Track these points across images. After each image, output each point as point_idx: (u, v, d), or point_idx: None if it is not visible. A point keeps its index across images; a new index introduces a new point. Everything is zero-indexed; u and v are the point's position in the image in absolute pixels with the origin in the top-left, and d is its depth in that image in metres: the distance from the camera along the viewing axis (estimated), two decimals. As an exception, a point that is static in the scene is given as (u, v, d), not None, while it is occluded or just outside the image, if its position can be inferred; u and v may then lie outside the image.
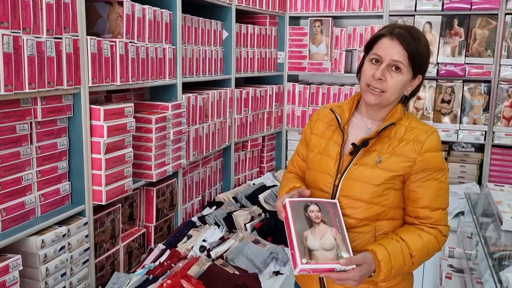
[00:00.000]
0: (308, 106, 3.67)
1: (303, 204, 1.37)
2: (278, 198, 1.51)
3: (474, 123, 3.20)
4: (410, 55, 1.37)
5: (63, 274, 1.67)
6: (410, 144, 1.40)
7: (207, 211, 2.78)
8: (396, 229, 1.44)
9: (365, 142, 1.41)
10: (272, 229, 2.53)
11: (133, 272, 2.03)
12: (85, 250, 1.78)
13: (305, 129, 1.63)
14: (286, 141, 3.83)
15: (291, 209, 1.35)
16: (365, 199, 1.40)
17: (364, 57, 1.47)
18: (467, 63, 3.18)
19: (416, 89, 1.48)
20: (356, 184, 1.41)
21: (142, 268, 2.08)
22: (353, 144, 1.43)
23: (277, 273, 2.19)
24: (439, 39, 3.22)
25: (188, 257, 2.17)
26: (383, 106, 1.44)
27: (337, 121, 1.49)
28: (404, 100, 1.49)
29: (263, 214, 2.76)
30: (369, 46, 1.44)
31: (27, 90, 1.47)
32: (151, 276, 1.89)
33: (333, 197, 1.44)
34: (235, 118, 3.10)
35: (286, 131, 3.79)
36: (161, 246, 2.25)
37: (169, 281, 1.71)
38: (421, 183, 1.40)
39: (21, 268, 1.45)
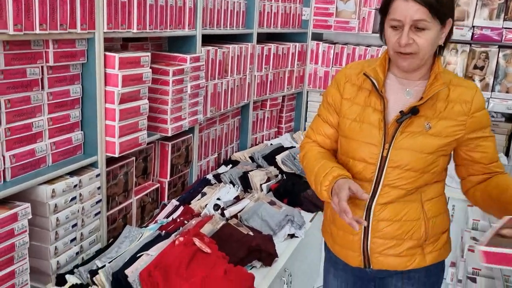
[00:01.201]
0: (332, 66, 3.52)
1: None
2: (320, 185, 1.36)
3: (507, 92, 3.03)
4: (431, 8, 1.23)
5: (74, 225, 1.64)
6: (458, 105, 1.32)
7: (222, 169, 2.73)
8: (441, 191, 1.43)
9: (415, 109, 1.31)
10: (288, 191, 2.46)
11: (146, 227, 2.00)
12: (97, 202, 1.73)
13: (332, 93, 1.48)
14: (307, 102, 3.71)
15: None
16: (418, 169, 1.33)
17: (382, 20, 1.33)
18: (505, 28, 2.98)
19: (450, 34, 1.35)
20: (407, 154, 1.32)
21: (154, 223, 2.04)
22: (401, 112, 1.32)
23: (292, 236, 2.14)
24: (476, 0, 3.01)
25: (201, 215, 2.12)
26: (419, 66, 1.33)
27: (373, 84, 1.36)
28: (440, 51, 1.37)
29: (279, 176, 2.69)
30: (385, 9, 1.30)
31: (37, 32, 1.38)
32: (164, 232, 1.85)
33: (380, 169, 1.34)
34: (255, 76, 2.99)
35: (307, 91, 3.67)
36: (174, 202, 2.21)
37: (181, 238, 1.66)
38: (478, 143, 1.36)
39: (30, 216, 1.41)
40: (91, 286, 1.41)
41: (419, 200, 1.38)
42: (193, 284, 1.51)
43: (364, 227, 1.39)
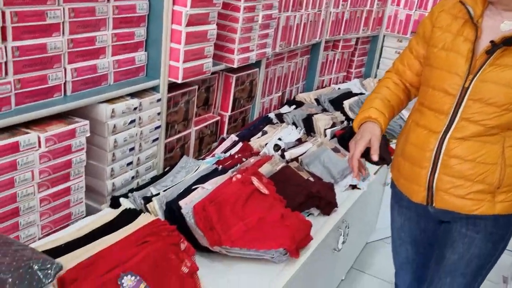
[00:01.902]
0: (415, 10, 3.20)
1: None
2: (357, 116, 1.47)
3: None
4: None
5: (132, 149, 1.58)
6: None
7: (285, 109, 2.59)
8: None
9: (508, 40, 1.18)
10: (353, 140, 2.30)
11: (202, 159, 1.93)
12: (156, 128, 1.67)
13: (425, 22, 1.43)
14: (382, 47, 3.44)
15: None
16: (500, 104, 1.22)
17: None
18: None
19: None
20: (492, 87, 1.22)
21: (211, 157, 1.97)
22: (492, 42, 1.21)
23: (353, 187, 2.01)
24: None
25: (260, 153, 2.02)
26: None
27: (469, 14, 1.27)
28: None
29: (345, 122, 2.52)
30: None
31: None
32: (220, 167, 1.77)
33: (459, 101, 1.27)
34: (330, 12, 2.75)
35: (384, 36, 3.38)
36: (233, 137, 2.12)
37: (239, 176, 1.57)
38: None
39: (88, 134, 1.36)
40: (144, 213, 1.36)
41: (501, 143, 1.28)
42: (248, 225, 1.43)
43: (433, 161, 1.33)
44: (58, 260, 1.03)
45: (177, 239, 1.30)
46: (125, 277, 1.09)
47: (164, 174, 1.71)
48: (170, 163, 1.85)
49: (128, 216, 1.36)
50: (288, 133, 2.20)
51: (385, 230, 2.78)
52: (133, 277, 1.10)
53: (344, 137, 2.31)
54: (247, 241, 1.40)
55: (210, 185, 1.54)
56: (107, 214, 1.40)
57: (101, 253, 1.16)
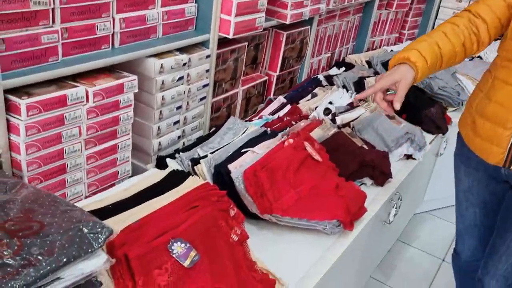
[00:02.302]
0: (480, -34, 2.93)
1: None
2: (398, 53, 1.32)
3: None
4: None
5: (179, 107, 1.51)
6: None
7: (334, 71, 2.45)
8: None
9: None
10: (409, 105, 2.15)
11: (249, 121, 1.84)
12: (204, 86, 1.58)
13: None
14: (438, 7, 3.19)
15: None
16: None
17: None
18: None
19: None
20: None
21: (258, 119, 1.88)
22: None
23: (408, 157, 1.88)
24: None
25: (309, 117, 1.91)
26: None
27: None
28: None
29: (398, 87, 2.36)
30: None
31: None
32: (269, 129, 1.68)
33: None
34: (388, -33, 2.55)
35: (442, -5, 3.14)
36: (281, 99, 2.01)
37: (291, 140, 1.47)
38: None
39: (136, 90, 1.29)
40: (192, 175, 1.30)
41: None
42: (300, 193, 1.35)
43: None
44: (106, 222, 0.97)
45: (226, 205, 1.23)
46: (175, 244, 1.04)
47: (210, 135, 1.63)
48: (215, 124, 1.77)
49: (176, 178, 1.30)
50: (339, 97, 2.07)
51: (432, 202, 2.67)
52: (183, 244, 1.04)
53: (398, 103, 2.16)
54: (298, 210, 1.32)
55: (260, 149, 1.45)
56: (154, 174, 1.34)
57: (149, 217, 1.10)
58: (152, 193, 1.22)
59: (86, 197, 1.26)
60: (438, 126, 2.15)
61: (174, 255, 1.02)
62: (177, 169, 1.35)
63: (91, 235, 0.87)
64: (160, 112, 1.44)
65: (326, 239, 1.35)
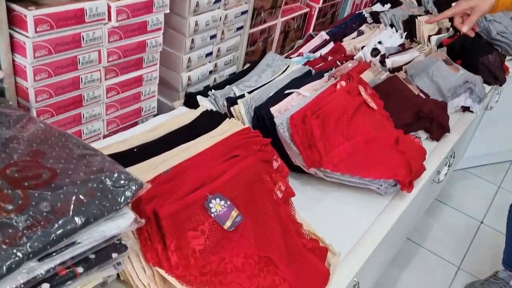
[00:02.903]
0: None
1: None
2: None
3: None
4: None
5: (213, 36, 1.28)
6: None
7: (378, 7, 2.17)
8: None
9: None
10: (464, 51, 1.90)
11: (287, 58, 1.61)
12: (242, 13, 1.34)
13: None
14: None
15: None
16: None
17: None
18: None
19: None
20: None
21: (298, 56, 1.64)
22: None
23: (465, 109, 1.66)
24: None
25: (355, 57, 1.68)
26: None
27: None
28: None
29: (451, 29, 2.09)
30: None
31: None
32: (313, 69, 1.45)
33: None
34: None
35: None
36: (324, 35, 1.76)
37: (343, 83, 1.26)
38: None
39: (167, 10, 1.05)
40: (229, 118, 1.09)
41: None
42: (354, 146, 1.15)
43: None
44: (131, 170, 0.79)
45: (270, 155, 1.03)
46: (213, 201, 0.85)
47: (245, 72, 1.41)
48: (250, 60, 1.54)
49: (210, 119, 1.10)
50: (389, 36, 1.82)
51: (471, 159, 2.47)
52: (223, 202, 0.86)
53: (454, 48, 1.91)
54: (351, 165, 1.13)
55: (307, 91, 1.23)
56: (184, 114, 1.14)
57: (182, 165, 0.91)
58: (183, 136, 1.02)
59: (104, 137, 1.07)
60: (495, 76, 1.91)
61: (212, 215, 0.84)
62: (210, 109, 1.14)
63: (117, 189, 0.69)
64: (192, 40, 1.21)
65: (379, 200, 1.17)
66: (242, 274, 0.84)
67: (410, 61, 1.69)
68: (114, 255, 0.71)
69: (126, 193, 0.69)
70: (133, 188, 0.70)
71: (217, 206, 0.85)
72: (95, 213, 0.65)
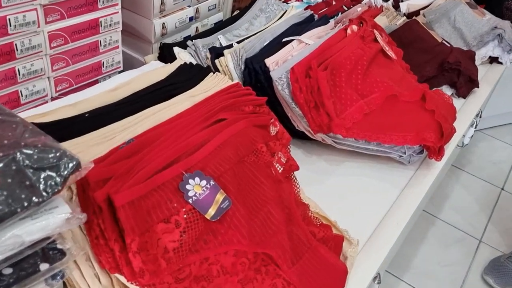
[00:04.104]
0: None
1: None
2: None
3: None
4: None
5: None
6: None
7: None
8: None
9: None
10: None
11: (285, 2, 1.36)
12: None
13: None
14: None
15: None
16: None
17: None
18: None
19: None
20: None
21: (297, 1, 1.39)
22: None
23: (492, 60, 1.43)
24: None
25: (363, 1, 1.42)
26: None
27: None
28: None
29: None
30: None
31: None
32: (315, 13, 1.21)
33: None
34: None
35: None
36: (326, -24, 1.50)
37: (355, 27, 1.01)
38: None
39: None
40: (214, 72, 0.86)
41: None
42: (372, 104, 0.92)
43: None
44: (76, 142, 0.56)
45: (266, 118, 0.80)
46: (190, 181, 0.63)
47: (234, 19, 1.16)
48: (240, 6, 1.30)
49: (189, 75, 0.87)
50: (402, -23, 1.56)
51: (488, 119, 2.25)
52: (204, 181, 0.64)
53: (476, -9, 1.66)
54: (368, 129, 0.90)
55: (311, 39, 0.99)
56: (156, 70, 0.90)
57: (149, 134, 0.68)
58: (153, 97, 0.79)
59: (53, 99, 0.84)
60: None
61: (190, 200, 0.62)
62: (190, 62, 0.90)
63: (38, 172, 0.46)
64: (164, -24, 0.96)
65: (401, 171, 0.95)
66: (233, 277, 0.63)
67: (428, 5, 1.44)
68: (44, 266, 0.49)
69: (55, 178, 0.47)
70: (66, 170, 0.47)
71: (196, 187, 0.63)
72: (2, 211, 0.43)
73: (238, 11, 1.23)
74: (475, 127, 1.32)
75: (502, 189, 1.92)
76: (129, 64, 1.05)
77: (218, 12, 1.21)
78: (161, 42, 1.05)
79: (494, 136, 2.19)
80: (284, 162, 0.80)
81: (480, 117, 1.36)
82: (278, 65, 0.92)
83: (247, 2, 1.30)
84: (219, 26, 1.14)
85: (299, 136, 0.95)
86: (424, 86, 1.01)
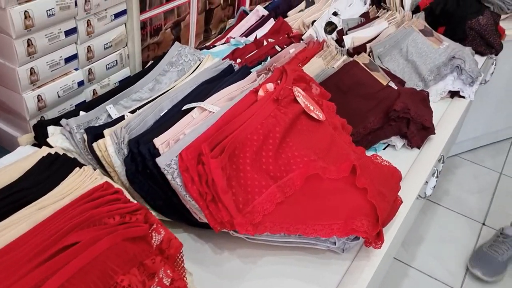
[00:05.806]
0: None
1: None
2: None
3: None
4: None
5: (71, 31, 0.84)
6: None
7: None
8: None
9: None
10: (449, 13, 1.48)
11: (208, 48, 1.18)
12: (117, -8, 0.90)
13: None
14: None
15: None
16: None
17: None
18: None
19: None
20: None
21: (225, 44, 1.21)
22: None
23: (453, 94, 1.25)
24: None
25: (303, 37, 1.25)
26: None
27: None
28: None
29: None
30: None
31: None
32: (238, 61, 1.04)
33: None
34: None
35: None
36: (261, 10, 1.33)
37: (269, 86, 0.83)
38: None
39: None
40: (80, 168, 0.68)
41: None
42: (288, 188, 0.74)
43: None
44: None
45: (142, 228, 0.62)
46: None
47: (139, 76, 0.98)
48: (157, 55, 1.12)
49: (48, 172, 0.68)
50: (348, 4, 1.39)
51: (463, 144, 2.08)
52: None
53: (434, 12, 1.49)
54: (284, 219, 0.72)
55: (218, 103, 0.81)
56: (17, 163, 0.72)
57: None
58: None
59: None
60: (488, 43, 1.50)
61: None
62: (55, 153, 0.72)
63: None
64: (28, 42, 0.78)
65: (333, 262, 0.77)
66: None
67: (376, 36, 1.27)
68: None
69: None
70: None
71: None
72: None
73: (153, 62, 1.05)
74: (437, 176, 1.15)
75: (483, 224, 1.74)
76: (10, 143, 0.88)
77: (124, 68, 1.03)
78: (41, 117, 0.87)
79: (473, 161, 2.01)
80: (168, 284, 0.62)
81: (444, 162, 1.18)
82: (170, 146, 0.74)
83: (167, 49, 1.12)
84: (122, 86, 0.96)
85: (207, 226, 0.77)
86: (359, 150, 0.83)
